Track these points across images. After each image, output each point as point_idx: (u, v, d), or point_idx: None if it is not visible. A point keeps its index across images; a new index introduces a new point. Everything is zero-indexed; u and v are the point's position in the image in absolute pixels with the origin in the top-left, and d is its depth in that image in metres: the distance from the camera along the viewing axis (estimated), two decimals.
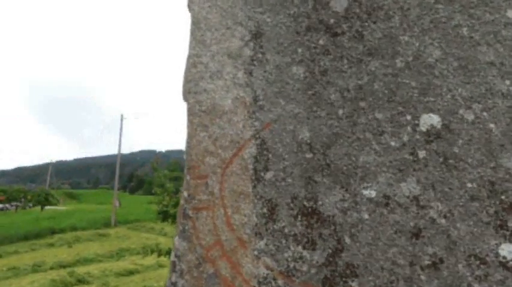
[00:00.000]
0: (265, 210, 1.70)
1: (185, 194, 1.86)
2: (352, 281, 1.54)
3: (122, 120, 33.54)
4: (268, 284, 1.63)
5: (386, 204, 1.57)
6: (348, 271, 1.55)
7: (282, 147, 1.72)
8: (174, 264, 1.81)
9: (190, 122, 1.90)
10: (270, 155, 1.73)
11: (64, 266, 19.14)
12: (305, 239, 1.62)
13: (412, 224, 1.53)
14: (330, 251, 1.58)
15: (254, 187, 1.73)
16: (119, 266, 18.96)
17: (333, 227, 1.60)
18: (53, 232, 28.91)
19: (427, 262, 1.48)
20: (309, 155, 1.69)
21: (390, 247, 1.52)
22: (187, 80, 1.94)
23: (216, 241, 1.74)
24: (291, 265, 1.62)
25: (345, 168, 1.64)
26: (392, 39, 1.69)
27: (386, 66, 1.67)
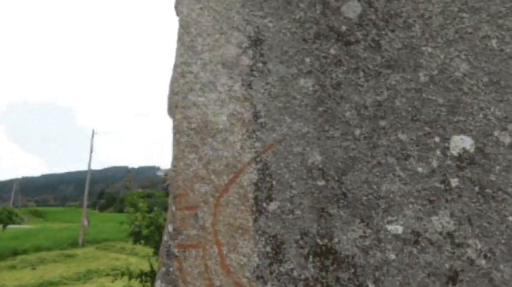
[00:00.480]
0: (268, 248, 1.41)
1: (170, 228, 1.54)
2: None
3: (93, 135, 32.46)
4: None
5: (416, 242, 1.32)
6: None
7: (289, 172, 1.45)
8: None
9: (176, 142, 1.60)
10: (274, 182, 1.46)
11: None
12: (318, 285, 1.34)
13: (447, 265, 1.28)
14: None
15: (255, 220, 1.44)
16: None
17: (352, 270, 1.33)
18: (15, 253, 27.20)
19: None
20: (321, 183, 1.42)
21: None
22: (173, 93, 1.65)
23: (207, 286, 1.43)
24: None
25: (364, 198, 1.38)
26: (414, 50, 1.47)
27: (408, 81, 1.45)
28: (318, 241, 1.38)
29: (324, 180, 1.42)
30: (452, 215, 1.32)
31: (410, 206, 1.35)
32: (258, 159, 1.49)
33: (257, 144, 1.50)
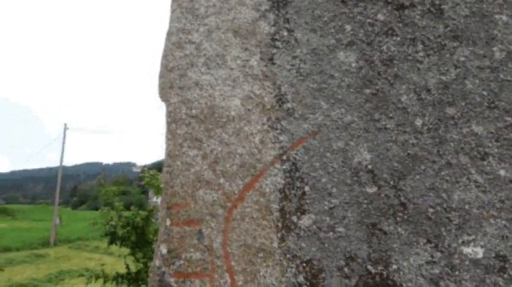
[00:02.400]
0: (301, 278, 1.04)
1: (163, 249, 1.15)
2: None
3: (65, 130, 31.05)
4: None
5: (502, 269, 0.98)
6: None
7: (327, 175, 1.09)
8: None
9: (172, 134, 1.21)
10: (307, 188, 1.09)
11: None
12: None
13: None
14: None
15: (282, 239, 1.07)
16: None
17: None
18: None
19: None
20: (371, 190, 1.06)
21: None
22: (167, 69, 1.25)
23: None
24: None
25: (430, 211, 1.03)
26: (485, 19, 1.13)
27: (480, 57, 1.11)
28: (370, 268, 1.02)
29: (375, 186, 1.06)
30: None
31: (492, 221, 1.01)
32: (285, 157, 1.11)
33: (283, 137, 1.13)
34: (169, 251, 1.14)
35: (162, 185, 1.20)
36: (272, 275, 1.05)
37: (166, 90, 1.23)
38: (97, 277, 9.52)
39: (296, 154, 1.11)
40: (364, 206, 1.05)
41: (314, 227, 1.06)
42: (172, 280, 1.11)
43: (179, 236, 1.13)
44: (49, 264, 24.39)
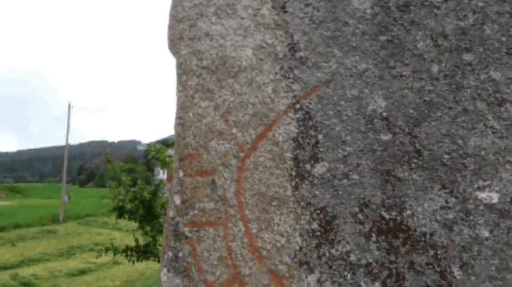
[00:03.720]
0: (315, 225, 1.05)
1: (177, 200, 1.16)
2: None
3: (69, 108, 31.06)
4: None
5: None
6: None
7: (341, 123, 1.08)
8: None
9: (183, 86, 1.19)
10: (321, 137, 1.08)
11: (6, 268, 17.42)
12: (385, 272, 1.00)
13: None
14: None
15: (296, 187, 1.07)
16: (69, 266, 17.56)
17: (431, 253, 0.99)
18: None
19: None
20: (386, 137, 1.05)
21: None
22: (176, 19, 1.22)
23: (232, 276, 1.07)
24: None
25: (446, 157, 1.02)
26: None
27: (500, 2, 1.07)
28: (384, 214, 1.02)
29: (390, 133, 1.05)
30: None
31: (508, 166, 1.00)
32: (298, 106, 1.10)
33: (296, 86, 1.11)
34: (182, 202, 1.14)
35: (174, 138, 1.20)
36: (286, 223, 1.06)
37: (176, 41, 1.21)
38: (107, 250, 9.76)
39: (309, 102, 1.10)
40: (379, 153, 1.05)
41: (328, 174, 1.06)
42: (186, 229, 1.13)
43: (192, 186, 1.14)
44: (59, 239, 24.93)
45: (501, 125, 1.01)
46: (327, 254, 1.03)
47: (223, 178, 1.12)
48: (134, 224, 10.30)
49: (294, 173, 1.08)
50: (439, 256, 0.98)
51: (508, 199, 0.98)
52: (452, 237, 0.99)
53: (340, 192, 1.05)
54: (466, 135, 1.02)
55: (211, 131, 1.14)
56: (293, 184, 1.07)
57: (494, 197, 0.99)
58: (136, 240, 9.23)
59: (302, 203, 1.06)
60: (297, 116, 1.09)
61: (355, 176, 1.05)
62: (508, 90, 1.03)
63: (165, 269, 1.14)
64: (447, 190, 1.01)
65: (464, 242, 0.98)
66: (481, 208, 0.99)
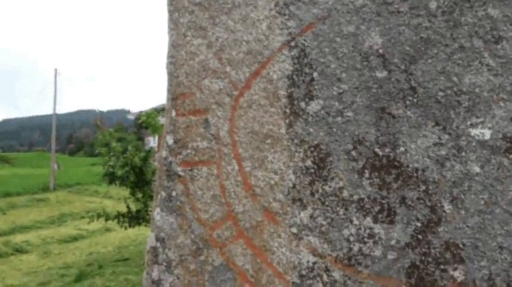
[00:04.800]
0: (309, 162, 1.05)
1: (169, 140, 1.15)
2: (455, 269, 0.97)
3: (55, 75, 30.27)
4: (317, 279, 1.02)
5: (508, 150, 0.99)
6: (447, 254, 0.98)
7: (336, 61, 1.06)
8: (155, 252, 1.13)
9: (174, 23, 1.15)
10: (316, 74, 1.06)
11: None
12: (377, 208, 1.02)
13: None
14: (419, 224, 0.99)
15: (290, 125, 1.07)
16: (61, 233, 17.71)
17: (423, 188, 1.00)
18: None
19: None
20: (381, 74, 1.04)
21: None
22: None
23: (225, 213, 1.08)
24: (355, 248, 1.01)
25: (441, 94, 1.02)
26: None
27: None
28: (377, 150, 1.03)
29: (385, 70, 1.04)
30: None
31: (502, 103, 1.00)
32: (293, 43, 1.08)
33: (291, 23, 1.08)
34: (175, 142, 1.13)
35: (167, 78, 1.17)
36: (280, 161, 1.06)
37: None
38: (99, 216, 9.82)
39: (305, 39, 1.07)
40: (374, 90, 1.04)
41: (322, 112, 1.05)
42: (179, 169, 1.12)
43: (185, 126, 1.13)
44: (51, 207, 24.98)
45: (496, 63, 1.01)
46: (320, 190, 1.04)
47: (217, 116, 1.10)
48: (126, 193, 10.32)
49: (288, 111, 1.07)
50: (430, 191, 1.00)
51: (500, 136, 0.99)
52: (444, 173, 1.00)
53: (335, 129, 1.04)
54: (461, 72, 1.01)
55: (204, 70, 1.12)
56: (287, 121, 1.07)
57: (487, 134, 1.00)
58: (128, 206, 9.29)
59: (296, 141, 1.06)
60: (292, 53, 1.07)
61: (350, 114, 1.04)
62: (505, 28, 1.01)
63: (158, 209, 1.14)
64: (440, 127, 1.01)
65: (455, 177, 1.00)
66: (473, 144, 1.00)
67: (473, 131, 1.00)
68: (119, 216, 9.48)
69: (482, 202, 0.98)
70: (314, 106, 1.05)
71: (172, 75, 1.14)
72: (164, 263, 1.11)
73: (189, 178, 1.11)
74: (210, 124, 1.11)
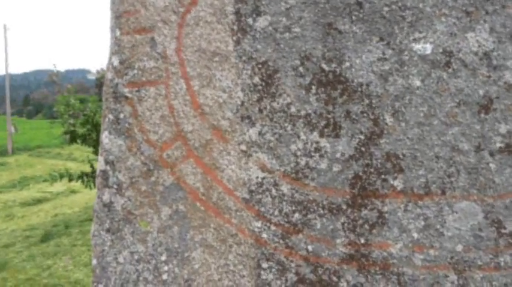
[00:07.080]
0: (257, 79, 1.05)
1: (115, 61, 1.10)
2: (395, 178, 1.03)
3: (5, 31, 28.06)
4: (266, 193, 1.06)
5: (447, 64, 1.03)
6: (388, 165, 1.03)
7: None
8: (105, 175, 1.12)
9: None
10: None
11: None
12: (323, 122, 1.04)
13: (480, 92, 1.03)
14: (363, 137, 1.03)
15: (237, 42, 1.05)
16: (23, 196, 17.25)
17: (366, 102, 1.03)
18: None
19: (498, 145, 1.02)
20: None
21: (450, 127, 1.02)
22: None
23: (175, 133, 1.07)
24: (302, 162, 1.05)
25: (386, 9, 1.03)
26: None
27: None
28: (324, 66, 1.04)
29: None
30: (492, 30, 1.03)
31: (443, 19, 1.03)
32: None
33: None
34: (121, 62, 1.09)
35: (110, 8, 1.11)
36: (228, 78, 1.06)
37: None
38: (61, 177, 9.58)
39: None
40: (321, 5, 1.03)
41: (270, 28, 1.04)
42: (126, 90, 1.09)
43: (130, 45, 1.08)
44: (11, 171, 24.10)
45: None
46: (268, 107, 1.05)
47: (163, 34, 1.07)
48: (90, 155, 10.03)
49: (235, 27, 1.05)
50: (373, 105, 1.04)
51: (440, 50, 1.03)
52: (387, 87, 1.03)
53: (282, 46, 1.04)
54: None
55: None
56: (235, 38, 1.05)
57: (428, 48, 1.03)
58: (91, 166, 9.08)
59: (244, 58, 1.05)
60: None
61: (297, 29, 1.04)
62: None
63: (106, 132, 1.12)
64: (385, 42, 1.03)
65: (397, 91, 1.03)
66: (415, 59, 1.03)
67: (416, 46, 1.03)
68: (82, 176, 9.27)
69: (422, 115, 1.03)
70: (261, 22, 1.04)
71: None
72: (115, 186, 1.11)
73: (136, 99, 1.09)
74: (156, 43, 1.07)
